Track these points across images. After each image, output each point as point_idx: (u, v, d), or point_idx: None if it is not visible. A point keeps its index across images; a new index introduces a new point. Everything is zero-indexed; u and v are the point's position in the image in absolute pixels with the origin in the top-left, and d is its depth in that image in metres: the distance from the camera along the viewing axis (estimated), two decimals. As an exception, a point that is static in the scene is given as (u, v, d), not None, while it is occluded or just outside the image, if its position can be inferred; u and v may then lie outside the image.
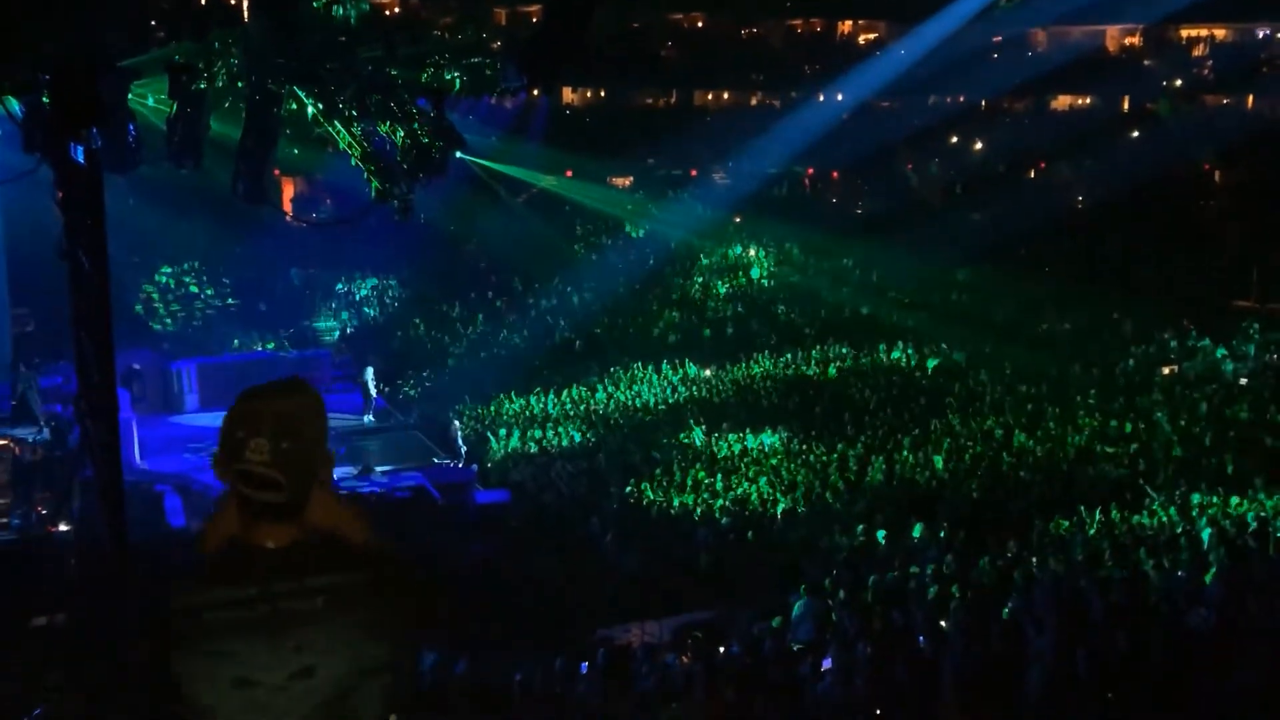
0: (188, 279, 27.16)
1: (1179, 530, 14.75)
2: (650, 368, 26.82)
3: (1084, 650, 9.40)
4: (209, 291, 27.24)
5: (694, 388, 25.77)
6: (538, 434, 22.22)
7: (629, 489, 18.74)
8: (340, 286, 28.90)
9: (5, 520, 15.46)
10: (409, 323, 29.87)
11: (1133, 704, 9.05)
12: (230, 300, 27.47)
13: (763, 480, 18.90)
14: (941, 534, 15.22)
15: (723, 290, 32.10)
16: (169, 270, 27.18)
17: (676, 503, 18.16)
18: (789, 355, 27.50)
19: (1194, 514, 15.50)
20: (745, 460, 20.41)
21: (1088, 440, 19.49)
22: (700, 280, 32.66)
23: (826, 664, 10.35)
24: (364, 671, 2.35)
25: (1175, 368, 22.61)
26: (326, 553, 2.39)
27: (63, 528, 14.69)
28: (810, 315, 30.37)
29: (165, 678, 2.29)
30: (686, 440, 21.75)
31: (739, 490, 18.61)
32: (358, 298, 28.20)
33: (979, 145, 38.54)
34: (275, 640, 2.29)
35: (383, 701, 2.39)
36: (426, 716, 8.29)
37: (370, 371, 24.18)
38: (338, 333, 23.72)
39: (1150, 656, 9.55)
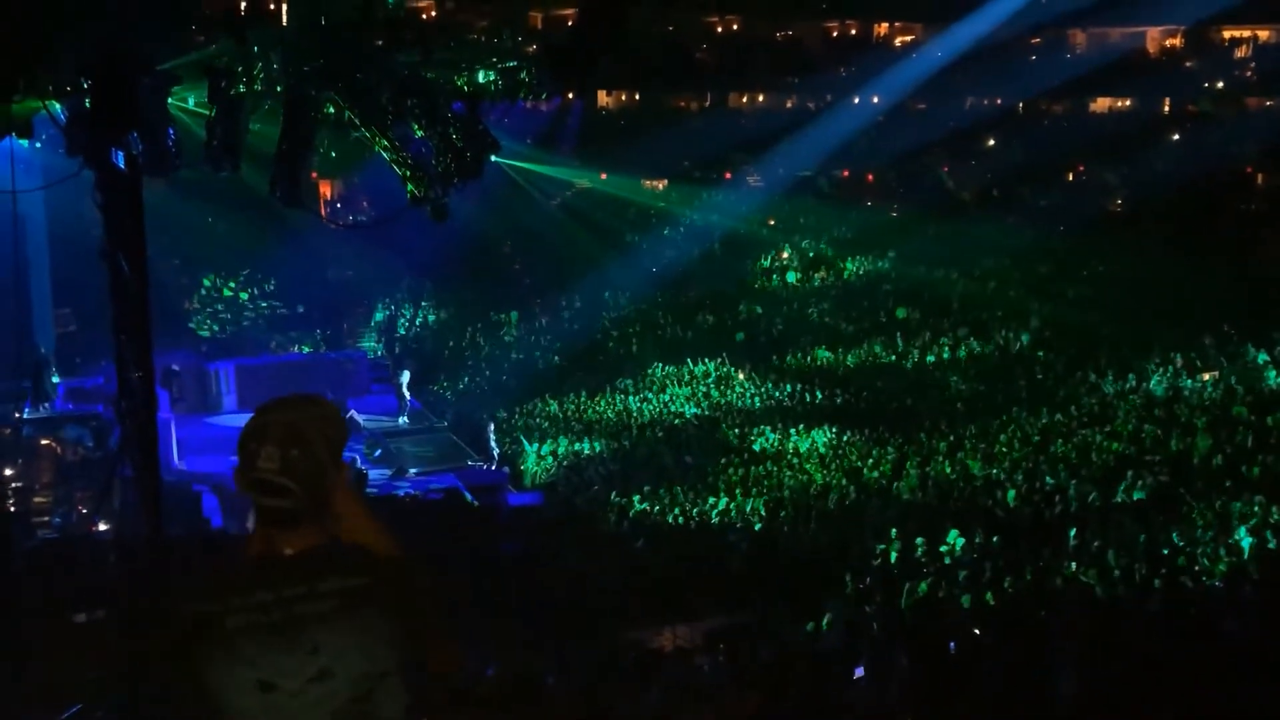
0: (231, 285, 27.47)
1: (1215, 538, 14.52)
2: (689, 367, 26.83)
3: (1117, 660, 9.29)
4: (243, 295, 27.52)
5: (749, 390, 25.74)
6: (568, 443, 22.26)
7: (661, 491, 18.72)
8: (380, 315, 29.05)
9: (47, 518, 15.72)
10: (444, 326, 30.05)
11: (1167, 715, 8.93)
12: (267, 304, 27.74)
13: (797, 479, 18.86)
14: (977, 540, 15.09)
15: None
16: (211, 278, 27.50)
17: (710, 504, 18.13)
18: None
19: (1234, 523, 15.26)
20: (782, 462, 20.39)
21: (1125, 448, 19.25)
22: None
23: (859, 672, 10.29)
24: (378, 674, 2.43)
25: (1215, 373, 22.25)
26: (339, 557, 2.49)
27: (102, 526, 14.89)
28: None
29: (180, 682, 2.36)
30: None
31: (772, 494, 18.58)
32: (399, 323, 28.39)
33: (1016, 147, 38.13)
34: (292, 644, 2.38)
35: (401, 704, 2.46)
36: (458, 716, 8.34)
37: (406, 374, 24.34)
38: (381, 350, 24.28)
39: (1185, 666, 9.42)
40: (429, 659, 2.54)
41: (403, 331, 26.95)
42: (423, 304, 29.38)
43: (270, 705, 2.36)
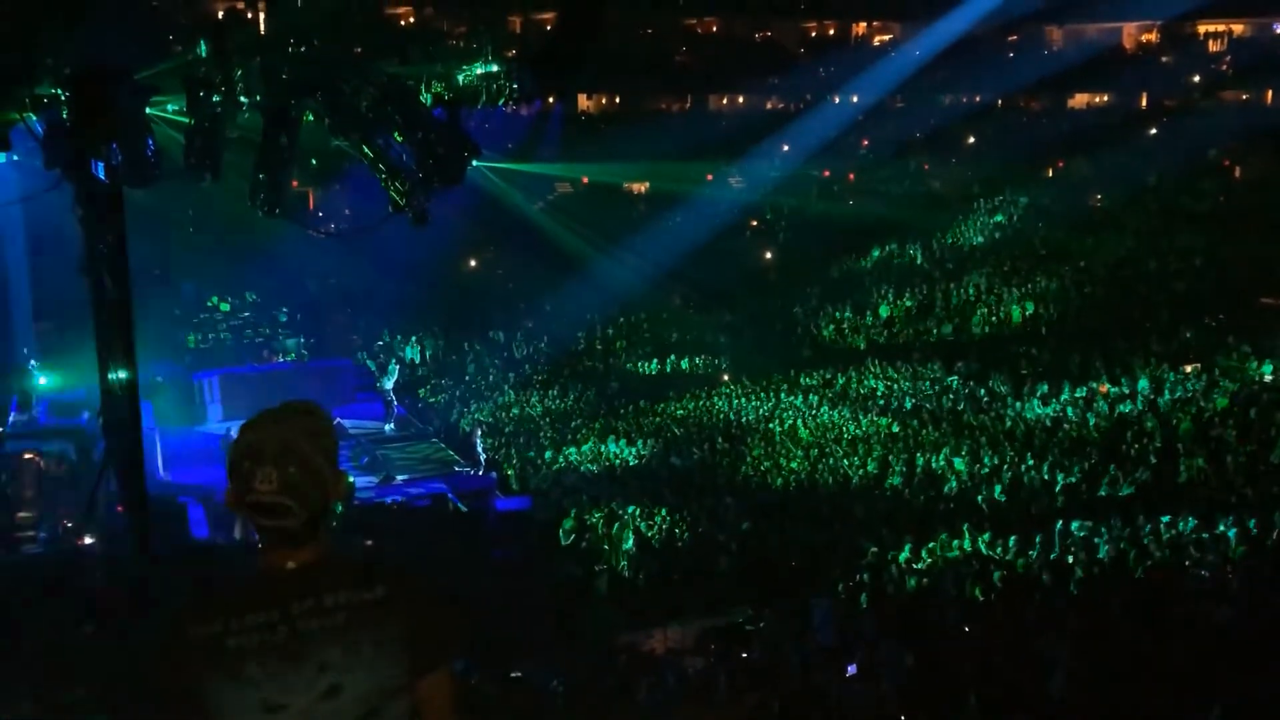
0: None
1: (1201, 530, 14.59)
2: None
3: (1108, 650, 9.34)
4: (224, 306, 27.38)
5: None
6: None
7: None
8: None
9: (32, 533, 15.59)
10: (429, 332, 30.01)
11: (1157, 704, 8.98)
12: (251, 314, 27.60)
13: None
14: (964, 535, 15.14)
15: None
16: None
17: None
18: None
19: (1219, 515, 15.33)
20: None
21: (1110, 440, 19.33)
22: None
23: (851, 669, 10.31)
24: (386, 690, 2.36)
25: (1198, 365, 22.36)
26: (344, 570, 2.41)
27: (88, 540, 14.79)
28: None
29: (183, 704, 2.31)
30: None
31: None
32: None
33: (997, 143, 38.34)
34: (299, 662, 2.30)
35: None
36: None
37: (391, 380, 24.30)
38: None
39: (1175, 656, 9.47)
40: (428, 682, 2.44)
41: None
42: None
43: None
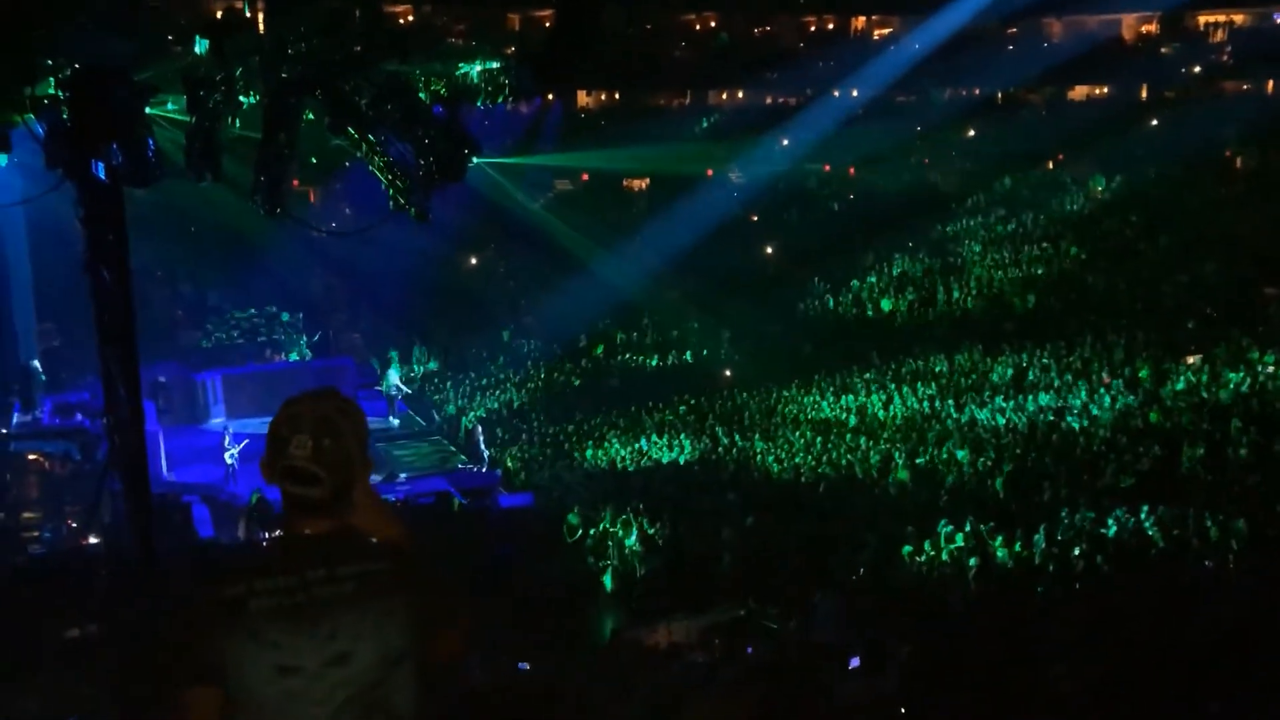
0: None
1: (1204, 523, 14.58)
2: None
3: (1107, 643, 9.35)
4: (239, 314, 27.43)
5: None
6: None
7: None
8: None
9: (36, 534, 15.63)
10: (431, 331, 30.04)
11: (1156, 697, 8.99)
12: (256, 312, 27.63)
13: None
14: (966, 528, 15.15)
15: None
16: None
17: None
18: None
19: (1225, 505, 15.31)
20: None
21: (1111, 431, 19.32)
22: None
23: (854, 663, 10.32)
24: (391, 659, 2.47)
25: (1199, 356, 22.33)
26: (357, 542, 2.54)
27: (92, 540, 14.83)
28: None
29: (200, 667, 2.40)
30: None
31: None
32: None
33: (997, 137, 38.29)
34: (312, 627, 2.42)
35: (412, 694, 2.50)
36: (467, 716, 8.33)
37: (394, 374, 24.39)
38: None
39: (1175, 648, 9.49)
40: (432, 648, 2.57)
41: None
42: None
43: (287, 690, 2.40)
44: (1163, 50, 40.06)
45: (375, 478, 19.85)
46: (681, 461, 21.30)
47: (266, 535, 14.78)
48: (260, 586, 2.42)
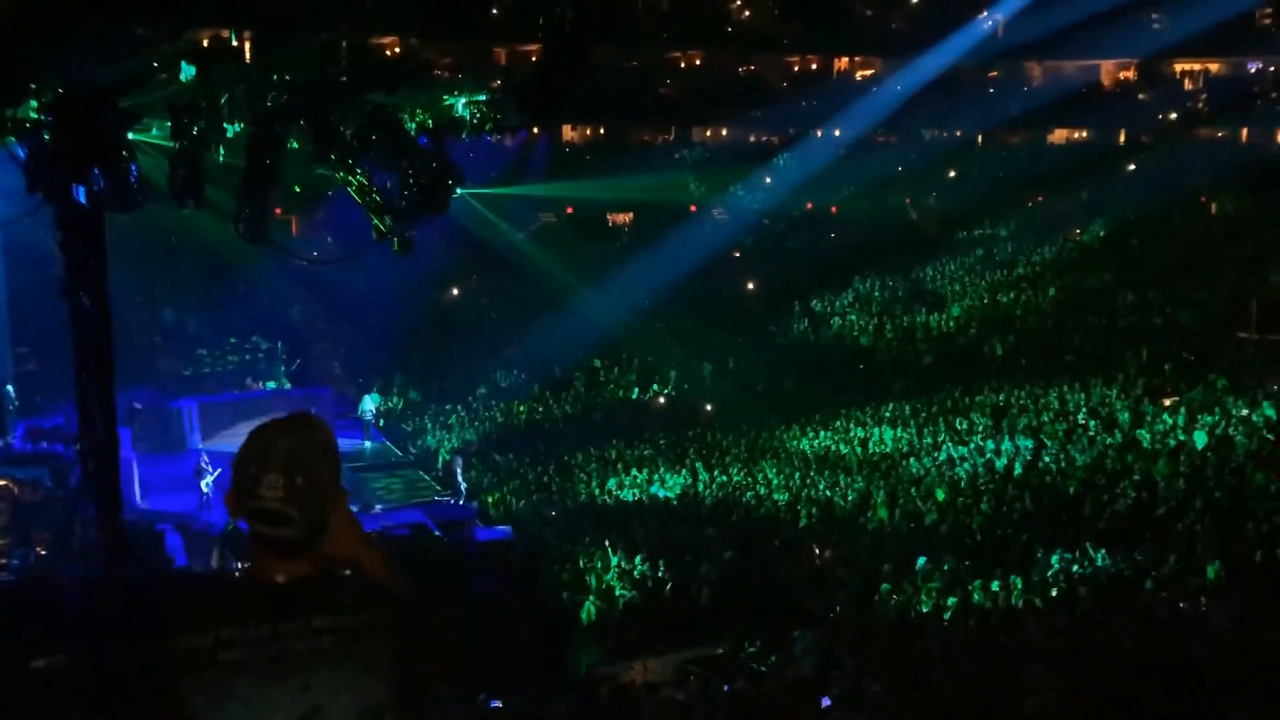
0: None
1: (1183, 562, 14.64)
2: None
3: (1085, 684, 9.33)
4: (232, 340, 27.37)
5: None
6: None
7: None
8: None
9: (5, 561, 15.38)
10: (410, 362, 29.97)
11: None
12: (235, 340, 27.55)
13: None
14: (945, 567, 15.14)
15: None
16: (171, 313, 27.32)
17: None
18: None
19: (1198, 548, 15.37)
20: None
21: (1089, 472, 19.39)
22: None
23: (825, 702, 10.26)
24: (370, 711, 2.30)
25: (1175, 399, 22.52)
26: (334, 590, 2.37)
27: (63, 568, 14.61)
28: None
29: (164, 711, 2.26)
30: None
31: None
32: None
33: (977, 178, 38.75)
34: (284, 681, 2.25)
35: None
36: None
37: (370, 401, 24.30)
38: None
39: (1153, 689, 9.47)
40: (416, 696, 2.40)
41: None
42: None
43: None
44: (1140, 96, 40.74)
45: (350, 507, 19.87)
46: (661, 495, 21.23)
47: (239, 565, 14.60)
48: (228, 637, 2.25)
